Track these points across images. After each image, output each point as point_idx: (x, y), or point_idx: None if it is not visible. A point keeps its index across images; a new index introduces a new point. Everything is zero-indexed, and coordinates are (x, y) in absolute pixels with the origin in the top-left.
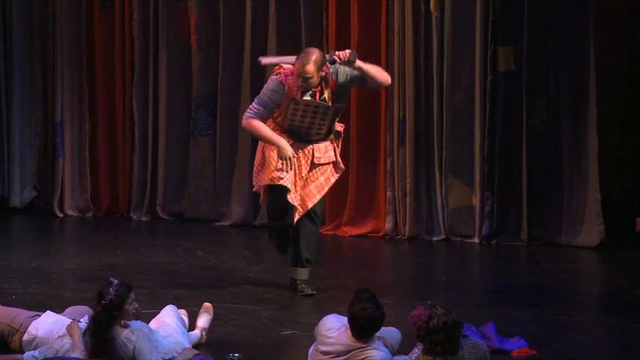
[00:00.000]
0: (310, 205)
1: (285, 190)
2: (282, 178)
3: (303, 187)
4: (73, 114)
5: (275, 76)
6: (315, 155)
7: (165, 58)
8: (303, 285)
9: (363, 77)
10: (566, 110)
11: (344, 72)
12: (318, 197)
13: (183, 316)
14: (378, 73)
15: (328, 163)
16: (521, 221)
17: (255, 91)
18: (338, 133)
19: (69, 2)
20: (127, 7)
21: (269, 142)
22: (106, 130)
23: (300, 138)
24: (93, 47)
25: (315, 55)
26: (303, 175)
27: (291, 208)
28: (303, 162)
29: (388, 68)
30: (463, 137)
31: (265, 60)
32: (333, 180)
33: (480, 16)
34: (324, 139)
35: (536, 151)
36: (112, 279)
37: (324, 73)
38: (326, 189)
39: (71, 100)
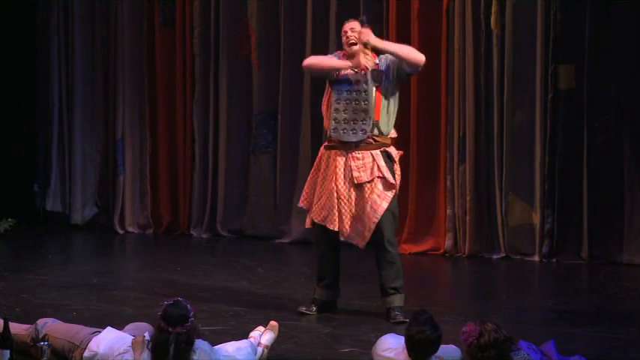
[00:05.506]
0: (373, 225)
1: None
2: (327, 219)
3: (354, 212)
4: (134, 131)
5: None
6: (354, 175)
7: (225, 76)
8: (396, 312)
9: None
10: (627, 128)
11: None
12: (378, 216)
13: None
14: (406, 51)
15: (372, 180)
16: (581, 239)
17: (315, 109)
18: (389, 155)
19: (130, 20)
20: (188, 25)
21: (334, 67)
22: (167, 147)
23: (346, 133)
24: (154, 65)
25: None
26: (352, 198)
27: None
28: (342, 186)
29: (448, 85)
30: (523, 155)
31: None
32: (390, 195)
33: (540, 33)
34: (367, 149)
35: (597, 169)
36: (178, 299)
37: (371, 58)
38: (384, 205)
39: (132, 117)
